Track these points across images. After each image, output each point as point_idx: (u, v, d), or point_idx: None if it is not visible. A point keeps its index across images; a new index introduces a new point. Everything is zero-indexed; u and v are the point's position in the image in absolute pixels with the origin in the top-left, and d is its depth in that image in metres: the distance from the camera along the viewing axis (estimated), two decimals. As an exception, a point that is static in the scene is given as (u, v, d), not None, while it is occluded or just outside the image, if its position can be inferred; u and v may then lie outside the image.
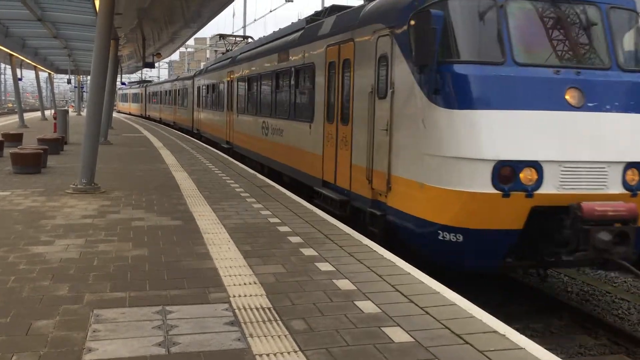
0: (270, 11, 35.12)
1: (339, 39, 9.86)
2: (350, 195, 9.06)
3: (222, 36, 28.90)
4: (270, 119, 14.21)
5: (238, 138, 18.27)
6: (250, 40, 26.12)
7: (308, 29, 12.18)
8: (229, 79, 19.68)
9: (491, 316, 4.64)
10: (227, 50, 26.98)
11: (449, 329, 4.32)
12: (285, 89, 13.18)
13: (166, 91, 41.08)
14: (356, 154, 8.93)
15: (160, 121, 43.78)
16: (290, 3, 31.41)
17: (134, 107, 64.90)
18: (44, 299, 4.76)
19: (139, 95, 60.51)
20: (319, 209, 9.29)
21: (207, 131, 25.09)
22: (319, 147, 10.61)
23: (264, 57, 14.90)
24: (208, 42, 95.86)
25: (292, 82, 12.51)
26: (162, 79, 54.36)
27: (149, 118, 51.11)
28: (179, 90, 34.61)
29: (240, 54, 19.11)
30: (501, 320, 4.69)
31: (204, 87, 25.76)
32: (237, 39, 28.89)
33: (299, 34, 12.66)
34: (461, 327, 4.37)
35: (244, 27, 44.45)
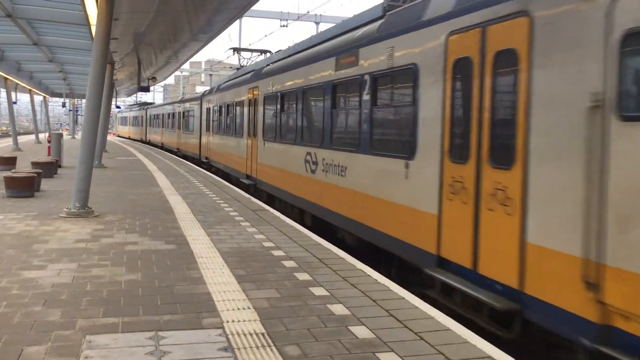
0: (265, 36, 35.45)
1: (484, 17, 5.91)
2: (523, 301, 5.14)
3: (236, 50, 24.52)
4: (322, 151, 10.31)
5: (265, 173, 14.36)
6: (268, 54, 22.18)
7: (395, 15, 8.37)
8: (250, 96, 16.24)
9: (486, 341, 4.63)
10: (242, 66, 23.69)
11: (443, 355, 4.31)
12: (350, 108, 9.31)
13: (169, 114, 37.12)
14: (541, 227, 5.00)
15: (162, 147, 40.09)
16: (284, 28, 31.76)
17: (133, 131, 60.17)
18: (35, 324, 4.72)
19: (139, 118, 55.96)
20: (424, 300, 6.31)
21: (219, 161, 21.29)
22: (430, 200, 6.74)
23: (309, 66, 11.26)
24: (203, 66, 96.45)
25: (366, 96, 8.51)
26: (165, 101, 49.42)
27: (149, 143, 47.41)
28: (184, 112, 31.13)
29: (268, 65, 15.78)
30: (496, 345, 4.67)
31: (215, 108, 22.21)
32: (254, 53, 24.30)
33: (376, 25, 8.84)
34: (455, 352, 4.36)
35: (239, 51, 44.81)
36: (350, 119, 9.29)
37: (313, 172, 10.74)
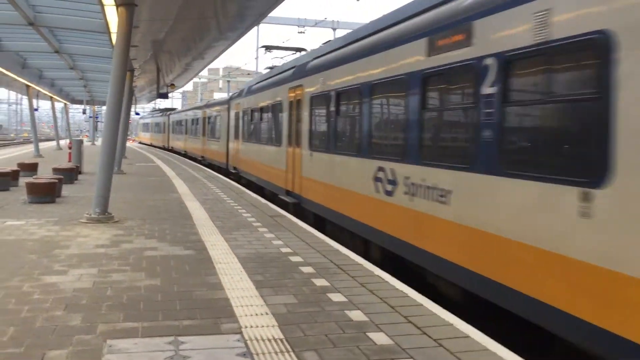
0: (282, 42, 35.62)
1: None
2: None
3: (267, 48, 22.69)
4: (405, 166, 7.75)
5: (314, 190, 11.77)
6: (303, 52, 19.48)
7: None
8: (292, 97, 13.73)
9: (506, 349, 4.59)
10: (274, 66, 20.67)
11: (463, 362, 4.28)
12: (457, 107, 6.83)
13: (193, 119, 34.91)
14: None
15: (185, 155, 37.99)
16: (302, 34, 31.90)
17: (155, 138, 57.68)
18: (57, 329, 4.78)
19: (161, 124, 53.59)
20: None
21: (250, 172, 18.91)
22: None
23: (382, 54, 8.67)
24: (221, 72, 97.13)
25: (490, 89, 5.97)
26: (187, 106, 46.31)
27: (172, 151, 45.11)
28: (209, 117, 29.26)
29: (314, 59, 12.71)
30: (517, 353, 4.63)
31: (245, 112, 19.96)
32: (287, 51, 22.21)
33: None
34: (475, 359, 4.32)
35: (257, 58, 45.09)
36: (459, 123, 6.77)
37: (389, 193, 8.17)
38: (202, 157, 31.12)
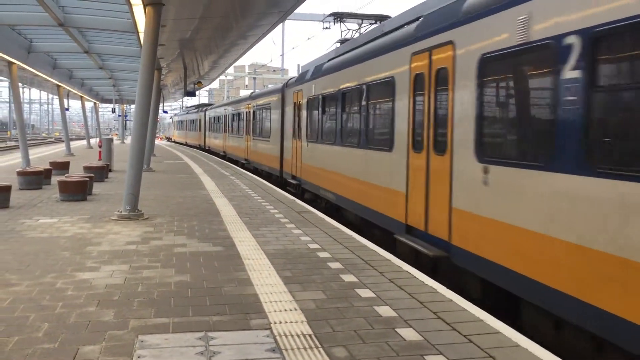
0: (308, 39, 35.61)
1: None
2: None
3: (338, 16, 16.28)
4: None
5: (486, 237, 6.42)
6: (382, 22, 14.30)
7: None
8: (420, 67, 8.44)
9: (538, 345, 4.53)
10: (345, 40, 15.54)
11: (494, 358, 4.23)
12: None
13: (234, 115, 29.82)
14: None
15: (224, 156, 32.99)
16: (327, 30, 31.79)
17: (190, 137, 52.13)
18: (90, 324, 4.87)
19: (196, 122, 48.35)
20: None
21: (327, 188, 13.18)
22: None
23: None
24: (247, 69, 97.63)
25: None
26: (231, 99, 39.01)
27: (209, 151, 39.89)
28: (255, 112, 24.18)
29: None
30: (549, 350, 4.57)
31: (313, 102, 14.59)
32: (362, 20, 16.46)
33: None
34: (506, 356, 4.28)
35: (282, 55, 45.15)
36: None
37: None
38: (246, 160, 25.94)
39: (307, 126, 15.42)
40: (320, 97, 14.02)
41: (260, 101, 23.11)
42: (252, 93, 27.81)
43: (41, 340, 4.48)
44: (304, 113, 15.87)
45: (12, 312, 5.15)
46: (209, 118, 40.42)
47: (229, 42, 19.63)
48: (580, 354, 5.18)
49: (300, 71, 20.18)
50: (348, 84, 11.95)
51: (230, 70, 59.22)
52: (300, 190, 16.39)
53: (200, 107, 49.58)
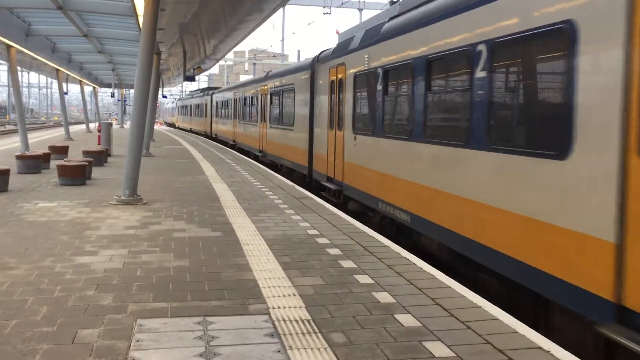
0: (308, 24, 35.43)
1: None
2: None
3: None
4: None
5: None
6: None
7: None
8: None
9: (535, 331, 4.54)
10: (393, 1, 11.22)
11: (491, 344, 4.25)
12: None
13: (245, 98, 25.88)
14: None
15: (234, 146, 28.99)
16: (327, 15, 31.62)
17: (196, 123, 48.16)
18: (89, 308, 4.87)
19: (202, 107, 44.04)
20: None
21: (406, 209, 8.77)
22: None
23: None
24: (247, 55, 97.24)
25: None
26: (241, 81, 34.01)
27: (216, 140, 35.98)
28: (273, 95, 20.26)
29: None
30: (546, 336, 4.58)
31: (363, 79, 11.06)
32: None
33: None
34: (504, 342, 4.29)
35: (283, 40, 44.96)
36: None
37: None
38: (262, 151, 21.94)
39: (355, 112, 11.41)
40: (380, 70, 10.02)
41: (280, 81, 19.09)
42: (268, 72, 22.73)
43: (40, 323, 4.48)
44: (348, 94, 11.86)
45: (11, 295, 5.16)
46: (216, 102, 36.31)
47: (229, 27, 19.50)
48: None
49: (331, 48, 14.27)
50: (445, 43, 7.60)
51: (230, 55, 58.91)
52: (341, 198, 12.15)
53: (206, 90, 45.35)
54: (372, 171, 10.45)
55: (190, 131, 50.21)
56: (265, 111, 21.49)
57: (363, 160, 10.96)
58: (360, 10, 36.71)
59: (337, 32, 17.24)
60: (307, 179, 15.39)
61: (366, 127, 10.85)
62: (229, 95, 31.14)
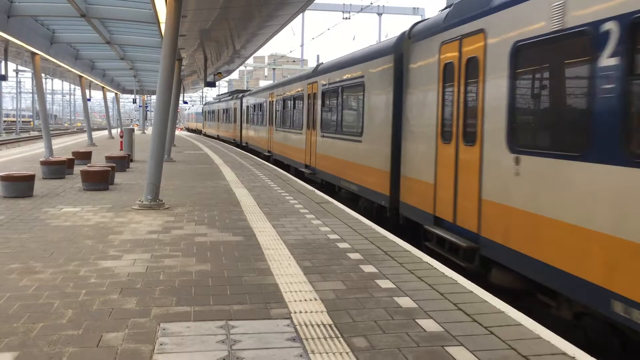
0: (328, 29, 35.49)
1: None
2: None
3: None
4: None
5: None
6: None
7: None
8: None
9: (560, 337, 4.49)
10: None
11: (515, 350, 4.21)
12: None
13: (284, 101, 21.57)
14: None
15: (269, 157, 24.69)
16: (347, 21, 31.58)
17: (223, 130, 43.41)
18: (113, 312, 4.93)
19: (230, 111, 39.69)
20: None
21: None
22: None
23: None
24: (266, 60, 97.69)
25: None
26: (278, 81, 28.84)
27: (247, 149, 31.83)
28: (325, 95, 15.60)
29: None
30: (570, 342, 4.53)
31: (545, 54, 6.00)
32: None
33: None
34: (528, 348, 4.25)
35: (302, 45, 45.10)
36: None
37: None
38: (309, 167, 17.19)
39: (519, 114, 6.60)
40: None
41: (340, 75, 14.24)
42: (318, 65, 17.98)
43: (65, 326, 4.55)
44: (494, 83, 7.11)
45: (37, 299, 5.24)
46: (247, 106, 31.88)
47: (249, 32, 19.63)
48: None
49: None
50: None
51: (250, 60, 59.08)
52: (478, 260, 7.35)
53: (234, 93, 41.29)
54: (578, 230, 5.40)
55: (218, 138, 46.14)
56: (315, 115, 16.53)
57: (542, 204, 5.97)
58: (379, 14, 36.73)
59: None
60: (386, 213, 10.90)
61: (558, 141, 5.83)
62: (263, 97, 26.52)
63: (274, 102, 23.81)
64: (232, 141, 38.37)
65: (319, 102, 16.17)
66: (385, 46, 11.42)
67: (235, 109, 37.05)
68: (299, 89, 18.95)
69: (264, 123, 26.07)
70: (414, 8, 35.17)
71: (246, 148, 32.03)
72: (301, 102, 18.54)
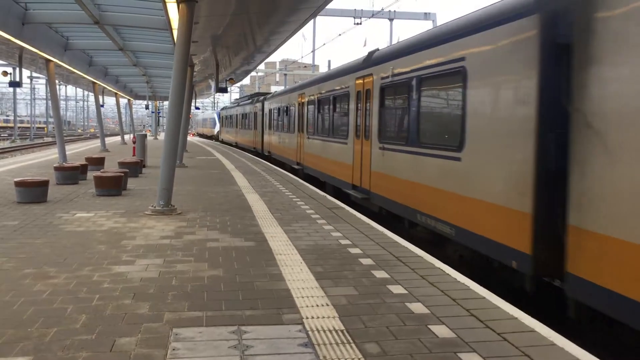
0: (339, 35, 35.54)
1: None
2: None
3: None
4: None
5: None
6: None
7: None
8: None
9: (573, 344, 4.45)
10: None
11: (529, 357, 4.18)
12: None
13: (320, 101, 17.44)
14: None
15: (297, 171, 20.75)
16: (358, 26, 31.56)
17: (242, 137, 39.41)
18: (126, 317, 4.95)
19: (250, 117, 35.56)
20: None
21: None
22: None
23: None
24: (277, 66, 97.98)
25: None
26: (311, 78, 22.96)
27: (270, 159, 27.90)
28: (390, 89, 11.31)
29: None
30: (585, 348, 4.49)
31: None
32: None
33: None
34: (542, 355, 4.22)
35: (313, 51, 45.17)
36: None
37: None
38: (358, 188, 13.13)
39: None
40: None
41: (412, 64, 10.09)
42: (371, 53, 13.17)
43: (79, 331, 4.58)
44: None
45: (51, 303, 5.28)
46: (270, 110, 28.24)
47: (260, 38, 19.71)
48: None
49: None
50: None
51: (261, 66, 59.20)
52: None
53: (255, 96, 37.59)
54: None
55: (236, 146, 41.60)
56: (369, 120, 12.45)
57: None
58: (390, 20, 36.73)
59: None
60: (523, 284, 6.83)
61: None
62: (290, 99, 22.77)
63: (305, 105, 19.80)
64: (252, 149, 34.43)
65: (376, 101, 12.04)
66: (516, 5, 7.00)
67: (255, 113, 33.14)
68: (343, 86, 14.89)
69: (292, 129, 22.15)
70: (425, 13, 35.14)
71: (269, 158, 28.04)
72: (345, 102, 14.59)
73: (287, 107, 23.71)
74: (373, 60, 12.68)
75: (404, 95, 10.63)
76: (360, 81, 13.36)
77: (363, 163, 12.85)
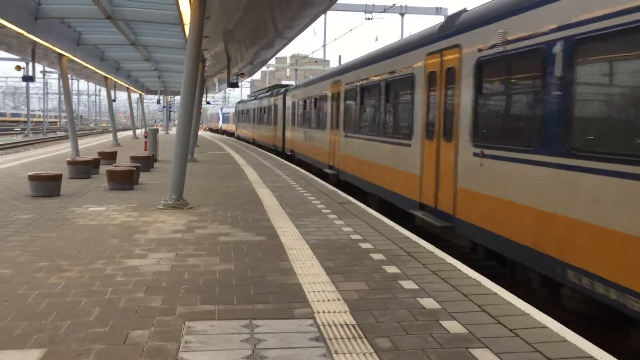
0: (351, 30, 35.46)
1: None
2: None
3: None
4: None
5: None
6: None
7: None
8: None
9: (586, 340, 4.43)
10: None
11: (541, 353, 4.17)
12: None
13: (363, 89, 13.99)
14: None
15: (328, 176, 17.46)
16: (369, 21, 31.45)
17: (260, 133, 36.10)
18: (139, 310, 4.99)
19: (269, 110, 31.94)
20: None
21: None
22: None
23: None
24: (288, 61, 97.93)
25: None
26: (353, 60, 16.45)
27: (293, 158, 24.78)
28: (485, 69, 7.76)
29: None
30: (597, 344, 4.47)
31: None
32: None
33: None
34: (554, 351, 4.21)
35: (324, 46, 45.12)
36: None
37: None
38: (428, 207, 9.67)
39: None
40: None
41: (527, 29, 6.68)
42: (458, 14, 9.29)
43: (93, 324, 4.62)
44: None
45: (65, 296, 5.33)
46: (293, 104, 25.03)
47: (271, 34, 19.69)
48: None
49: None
50: None
51: (272, 61, 59.08)
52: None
53: (274, 88, 34.43)
54: None
55: (254, 143, 38.48)
56: (456, 113, 8.70)
57: None
58: (402, 15, 36.59)
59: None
60: None
61: None
62: (320, 89, 19.46)
63: (341, 95, 16.20)
64: (271, 147, 30.82)
65: (468, 85, 8.30)
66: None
67: (275, 106, 29.53)
68: (402, 69, 11.32)
69: (322, 126, 18.78)
70: (437, 8, 34.95)
71: (291, 158, 24.92)
72: (407, 91, 10.97)
73: (315, 99, 20.30)
74: (460, 25, 8.78)
75: (490, 80, 7.70)
76: (432, 60, 9.74)
77: (442, 175, 9.13)
